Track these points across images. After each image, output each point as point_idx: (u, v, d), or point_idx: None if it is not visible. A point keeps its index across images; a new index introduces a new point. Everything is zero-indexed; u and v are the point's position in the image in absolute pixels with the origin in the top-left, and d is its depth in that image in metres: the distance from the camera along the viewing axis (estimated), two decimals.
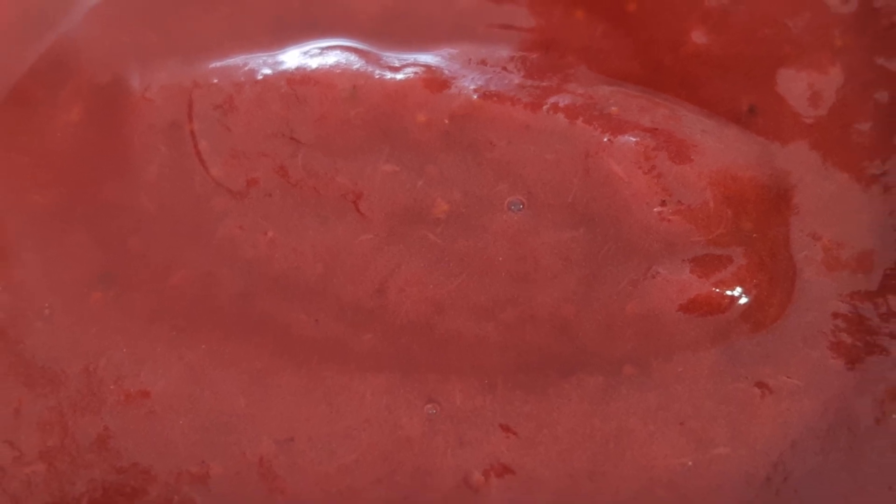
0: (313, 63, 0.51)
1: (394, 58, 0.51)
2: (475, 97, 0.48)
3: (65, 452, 0.46)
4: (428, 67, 0.50)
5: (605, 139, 0.47)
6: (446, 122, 0.48)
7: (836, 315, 0.45)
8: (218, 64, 0.52)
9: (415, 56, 0.51)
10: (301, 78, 0.50)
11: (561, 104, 0.48)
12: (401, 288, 0.47)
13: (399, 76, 0.50)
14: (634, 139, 0.47)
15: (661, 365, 0.44)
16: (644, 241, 0.45)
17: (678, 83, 0.50)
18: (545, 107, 0.48)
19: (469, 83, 0.49)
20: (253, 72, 0.52)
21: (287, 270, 0.48)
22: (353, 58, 0.51)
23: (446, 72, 0.50)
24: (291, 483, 0.44)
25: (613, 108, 0.48)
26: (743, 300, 0.44)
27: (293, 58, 0.52)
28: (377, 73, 0.50)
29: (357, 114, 0.49)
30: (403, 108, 0.49)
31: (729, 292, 0.44)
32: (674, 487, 0.43)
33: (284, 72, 0.51)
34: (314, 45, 0.52)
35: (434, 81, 0.49)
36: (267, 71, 0.51)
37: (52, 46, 0.55)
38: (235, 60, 0.52)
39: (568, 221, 0.46)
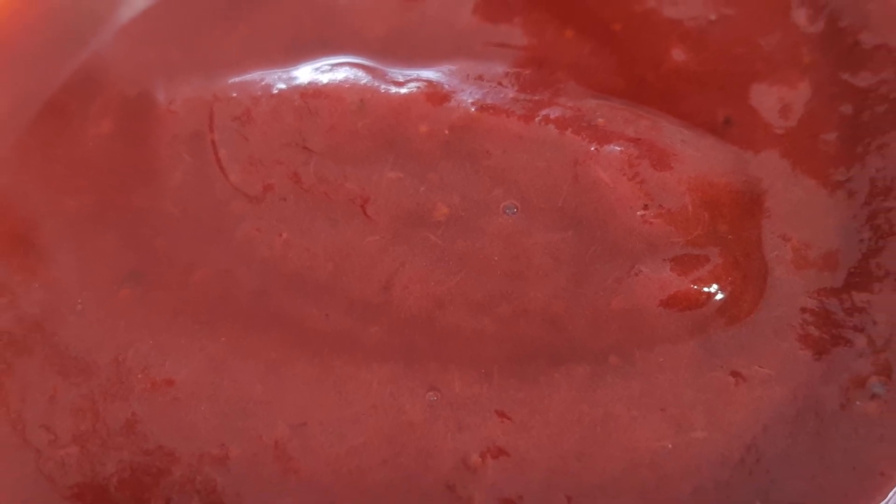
0: (324, 78, 0.51)
1: (398, 73, 0.52)
2: (473, 110, 0.49)
3: (96, 436, 0.46)
4: (429, 82, 0.51)
5: (593, 148, 0.47)
6: (446, 132, 0.49)
7: (804, 310, 0.45)
8: (237, 79, 0.53)
9: (417, 72, 0.52)
10: (313, 92, 0.51)
11: (552, 116, 0.48)
12: (404, 285, 0.47)
13: (403, 90, 0.50)
14: (619, 148, 0.47)
15: (644, 356, 0.45)
16: (628, 241, 0.46)
17: (659, 97, 0.50)
18: (537, 119, 0.48)
19: (467, 97, 0.50)
20: (269, 86, 0.52)
21: (300, 269, 0.48)
22: (360, 73, 0.52)
23: (446, 86, 0.50)
24: (304, 464, 0.44)
25: (600, 120, 0.48)
26: (719, 296, 0.45)
27: (306, 74, 0.52)
28: (383, 87, 0.50)
29: (364, 125, 0.50)
30: (407, 120, 0.49)
31: (706, 289, 0.45)
32: (655, 468, 0.43)
33: (298, 86, 0.51)
34: (325, 62, 0.53)
35: (435, 95, 0.50)
36: (281, 85, 0.52)
37: (84, 63, 0.56)
38: (253, 76, 0.53)
39: (558, 224, 0.47)
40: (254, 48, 0.55)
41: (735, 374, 0.44)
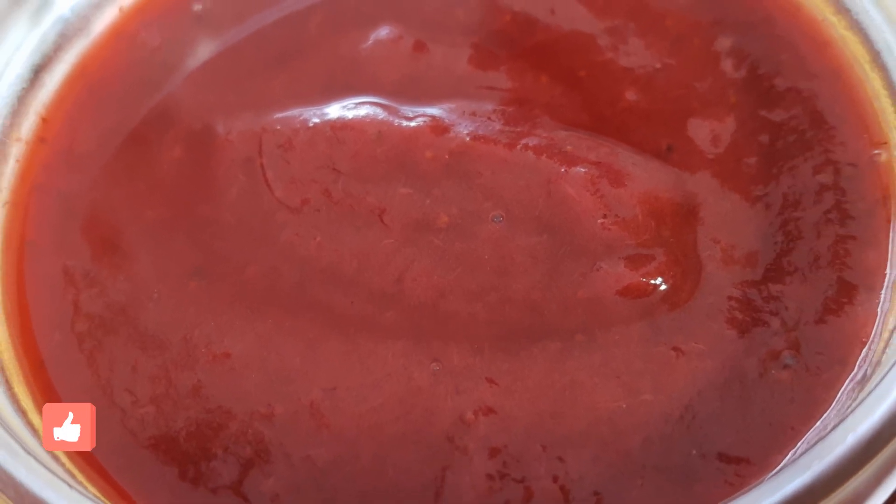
0: (350, 114, 0.56)
1: (408, 110, 0.56)
2: (468, 139, 0.53)
3: (168, 398, 0.51)
4: (434, 117, 0.55)
5: (563, 170, 0.51)
6: (447, 157, 0.53)
7: (730, 298, 0.50)
8: (280, 115, 0.58)
9: (424, 109, 0.56)
10: (341, 125, 0.55)
11: (530, 144, 0.53)
12: (413, 279, 0.51)
13: (412, 124, 0.55)
14: (584, 169, 0.51)
15: (603, 334, 0.49)
16: (590, 244, 0.50)
17: (615, 129, 0.55)
18: (518, 146, 0.53)
19: (463, 129, 0.54)
20: (306, 121, 0.57)
21: (331, 266, 0.53)
22: (378, 110, 0.56)
23: (447, 121, 0.55)
24: (334, 420, 0.49)
25: (568, 147, 0.53)
26: (663, 287, 0.50)
27: (335, 111, 0.57)
28: (396, 121, 0.55)
29: (382, 151, 0.54)
30: (415, 147, 0.53)
31: (653, 281, 0.49)
32: (612, 423, 0.47)
33: (329, 121, 0.56)
34: (351, 101, 0.58)
35: (438, 128, 0.54)
36: (316, 120, 0.57)
37: (159, 103, 0.62)
38: (293, 112, 0.58)
39: (535, 230, 0.51)
40: (294, 91, 0.59)
41: (676, 349, 0.48)
